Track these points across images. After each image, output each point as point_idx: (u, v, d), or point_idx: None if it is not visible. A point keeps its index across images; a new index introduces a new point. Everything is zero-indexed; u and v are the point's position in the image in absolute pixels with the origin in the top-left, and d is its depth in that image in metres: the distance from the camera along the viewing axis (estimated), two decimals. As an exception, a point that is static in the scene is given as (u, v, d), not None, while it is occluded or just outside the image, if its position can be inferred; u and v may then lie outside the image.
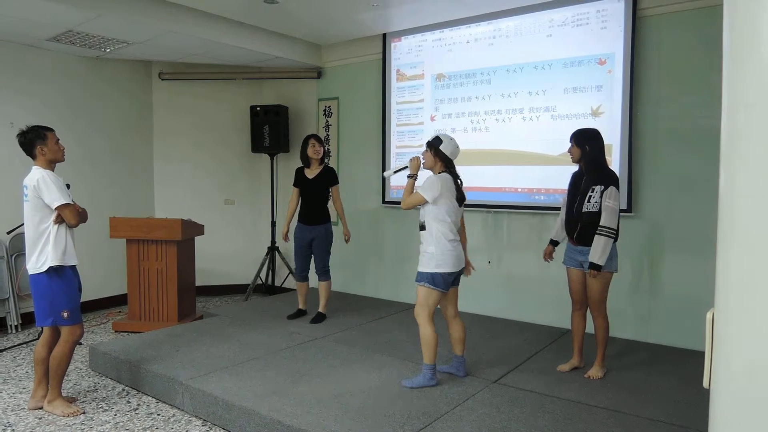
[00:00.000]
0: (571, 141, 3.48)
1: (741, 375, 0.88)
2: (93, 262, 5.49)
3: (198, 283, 5.55)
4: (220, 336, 4.33)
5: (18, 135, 3.22)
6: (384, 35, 5.59)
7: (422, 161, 3.44)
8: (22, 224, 3.32)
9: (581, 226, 3.42)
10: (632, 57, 4.22)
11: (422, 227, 3.34)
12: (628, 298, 4.34)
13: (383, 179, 5.68)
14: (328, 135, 6.17)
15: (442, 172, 3.36)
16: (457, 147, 3.41)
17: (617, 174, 3.53)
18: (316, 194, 4.73)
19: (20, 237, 4.43)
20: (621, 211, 3.95)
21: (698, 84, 4.01)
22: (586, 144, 3.40)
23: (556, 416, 2.94)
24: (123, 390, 3.70)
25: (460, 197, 3.37)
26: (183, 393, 3.35)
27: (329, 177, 4.77)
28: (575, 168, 3.59)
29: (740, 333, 0.89)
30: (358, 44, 5.83)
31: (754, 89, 0.88)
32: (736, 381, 0.89)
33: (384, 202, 5.71)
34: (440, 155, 3.35)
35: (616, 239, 3.40)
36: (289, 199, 4.93)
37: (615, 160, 4.28)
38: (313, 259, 4.81)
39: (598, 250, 3.29)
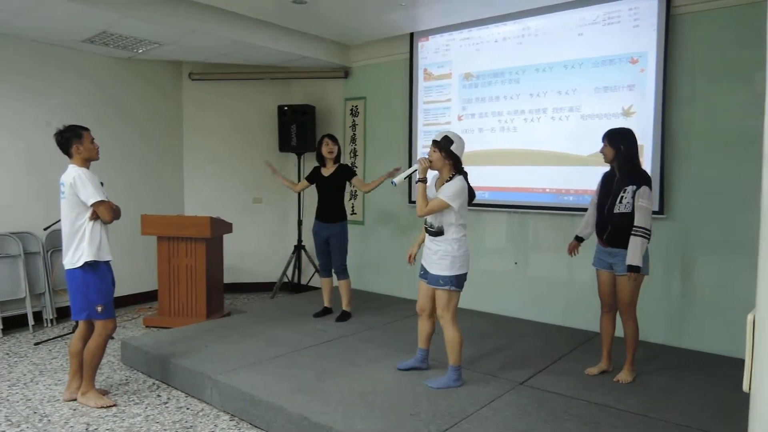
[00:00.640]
0: (604, 141, 3.43)
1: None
2: (125, 259, 5.61)
3: (226, 280, 5.64)
4: (248, 333, 4.39)
5: (55, 134, 3.32)
6: (411, 35, 5.59)
7: (430, 162, 3.28)
8: (58, 221, 3.42)
9: (612, 227, 3.37)
10: (665, 56, 4.14)
11: (439, 232, 3.25)
12: (659, 302, 4.25)
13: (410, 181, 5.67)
14: (354, 135, 6.20)
15: (454, 174, 3.27)
16: (464, 144, 3.32)
17: (649, 174, 3.47)
18: (332, 192, 4.76)
19: (56, 233, 4.57)
20: (653, 213, 3.89)
21: (736, 84, 3.90)
22: (621, 144, 3.35)
23: (584, 420, 2.91)
24: (153, 384, 3.78)
25: (472, 196, 3.32)
26: (212, 388, 3.41)
27: (345, 174, 4.78)
28: (605, 168, 3.54)
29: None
30: (386, 44, 5.84)
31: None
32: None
33: (410, 201, 5.71)
34: (452, 156, 3.26)
35: (648, 241, 3.35)
36: (313, 200, 4.98)
37: (647, 161, 4.20)
38: (332, 258, 4.84)
39: (636, 252, 3.22)
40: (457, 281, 3.26)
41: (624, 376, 3.45)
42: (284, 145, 6.27)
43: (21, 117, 5.08)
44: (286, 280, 6.40)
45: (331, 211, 4.78)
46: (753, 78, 3.82)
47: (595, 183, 3.61)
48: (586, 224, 3.68)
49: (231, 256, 5.95)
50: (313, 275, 6.43)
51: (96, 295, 3.30)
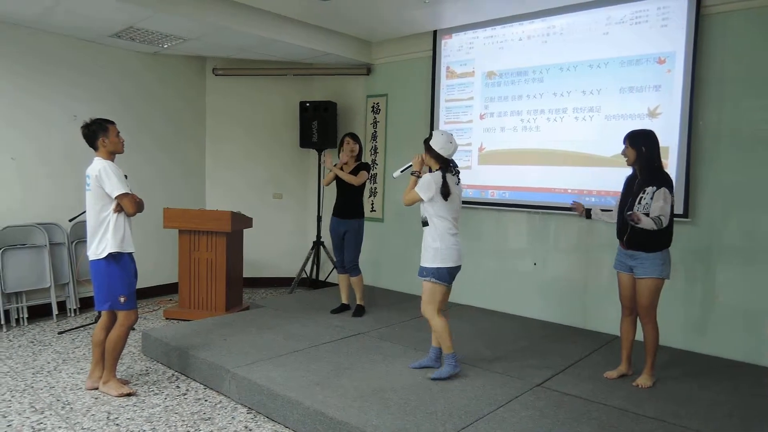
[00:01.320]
0: (625, 142, 3.38)
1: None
2: (147, 251, 5.68)
3: (245, 274, 5.68)
4: (266, 327, 4.42)
5: (82, 127, 3.38)
6: (435, 32, 5.57)
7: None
8: (83, 212, 3.48)
9: (632, 229, 3.33)
10: (694, 56, 4.06)
11: (425, 223, 3.43)
12: (681, 307, 4.19)
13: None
14: (375, 132, 6.20)
15: (438, 169, 3.39)
16: (451, 142, 3.39)
17: (673, 178, 3.41)
18: (350, 189, 4.78)
19: (81, 224, 4.64)
20: (677, 215, 3.83)
21: (767, 86, 3.82)
22: (642, 145, 3.30)
23: (602, 423, 2.88)
24: (173, 375, 3.83)
25: (445, 193, 3.31)
26: (230, 381, 3.44)
27: (362, 170, 4.78)
28: (628, 170, 3.49)
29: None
30: (409, 41, 5.82)
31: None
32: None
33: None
34: (432, 152, 3.38)
35: (668, 244, 3.30)
36: (332, 195, 5.00)
37: (672, 163, 4.14)
38: (343, 255, 4.87)
39: (645, 223, 3.15)
40: (438, 274, 3.35)
41: (643, 380, 3.40)
42: (305, 141, 6.30)
43: (52, 108, 5.19)
44: (304, 275, 6.44)
45: (348, 207, 4.82)
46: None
47: (618, 184, 3.57)
48: (602, 214, 3.65)
49: (251, 251, 5.99)
50: (331, 271, 6.45)
51: (119, 286, 3.36)
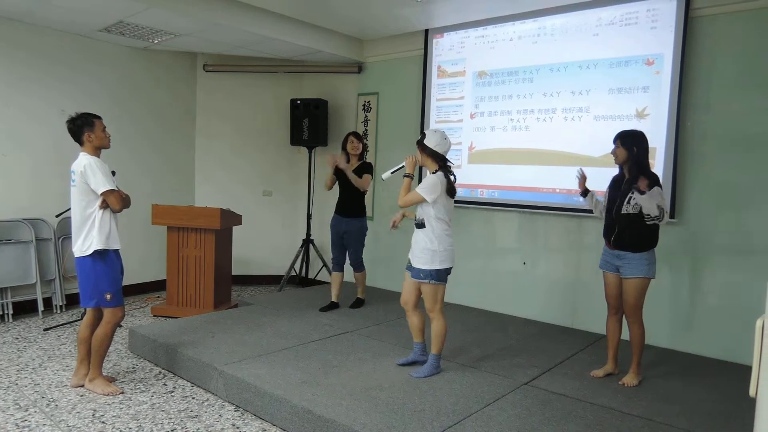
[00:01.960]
0: (615, 142, 3.40)
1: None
2: (134, 247, 5.66)
3: (234, 272, 5.67)
4: (254, 324, 4.41)
5: (67, 121, 3.33)
6: (426, 31, 5.57)
7: (417, 160, 3.45)
8: (69, 208, 3.44)
9: (619, 228, 3.35)
10: (682, 58, 4.09)
11: (421, 225, 3.38)
12: (667, 306, 4.23)
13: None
14: (366, 130, 6.20)
15: (437, 169, 3.37)
16: (446, 139, 3.39)
17: (660, 178, 3.43)
18: (352, 188, 4.79)
19: (67, 220, 4.60)
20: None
21: (755, 89, 3.86)
22: (634, 146, 3.32)
23: (588, 422, 2.90)
24: (160, 372, 3.81)
25: (451, 190, 3.37)
26: (217, 378, 3.43)
27: (364, 171, 4.83)
28: (617, 169, 3.51)
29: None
30: (400, 40, 5.82)
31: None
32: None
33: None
34: (427, 150, 3.36)
35: (654, 244, 3.33)
36: (322, 193, 5.00)
37: (659, 164, 4.17)
38: (347, 252, 4.92)
39: (650, 203, 3.17)
40: (437, 275, 3.36)
41: (630, 379, 3.43)
42: (296, 139, 6.29)
43: (40, 103, 5.13)
44: (293, 273, 6.42)
45: (350, 206, 4.86)
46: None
47: (606, 184, 3.58)
48: (597, 206, 3.64)
49: (240, 248, 5.97)
50: (320, 269, 6.45)
51: (105, 283, 3.33)
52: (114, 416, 3.09)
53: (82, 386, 3.46)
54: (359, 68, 6.23)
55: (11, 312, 4.90)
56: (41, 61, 5.13)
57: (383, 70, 6.08)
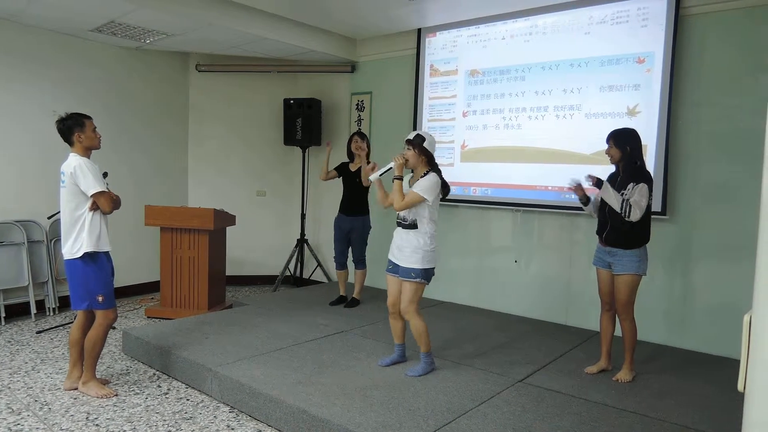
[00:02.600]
0: (609, 142, 3.40)
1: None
2: (128, 249, 5.64)
3: (228, 272, 5.66)
4: (249, 325, 4.40)
5: (57, 121, 3.28)
6: (419, 30, 5.58)
7: (405, 161, 3.36)
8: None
9: (611, 225, 3.37)
10: (673, 56, 4.11)
11: (412, 225, 3.34)
12: (659, 302, 4.25)
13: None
14: (360, 129, 6.19)
15: (429, 170, 3.37)
16: (435, 141, 3.44)
17: (652, 175, 3.46)
18: (356, 186, 4.89)
19: (59, 222, 4.56)
20: (655, 213, 3.89)
21: (744, 86, 3.89)
22: (628, 145, 3.33)
23: (582, 418, 2.91)
24: (154, 374, 3.80)
25: (445, 191, 3.41)
26: (212, 379, 3.42)
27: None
28: (609, 166, 3.53)
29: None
30: (393, 39, 5.83)
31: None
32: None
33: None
34: (425, 153, 3.36)
35: (646, 241, 3.34)
36: (317, 193, 5.02)
37: (650, 161, 4.18)
38: (351, 249, 5.07)
39: (612, 195, 3.25)
40: (426, 274, 3.38)
41: (623, 375, 3.45)
42: (289, 139, 6.28)
43: (28, 104, 5.09)
44: (288, 273, 6.42)
45: (354, 204, 5.00)
46: (757, 81, 3.81)
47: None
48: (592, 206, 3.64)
49: (234, 249, 5.96)
50: (315, 269, 6.44)
51: (97, 285, 3.30)
52: (108, 419, 3.08)
53: (76, 389, 3.44)
54: (352, 68, 6.22)
55: (3, 315, 4.87)
56: (29, 61, 5.09)
57: (376, 69, 6.08)
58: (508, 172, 5.02)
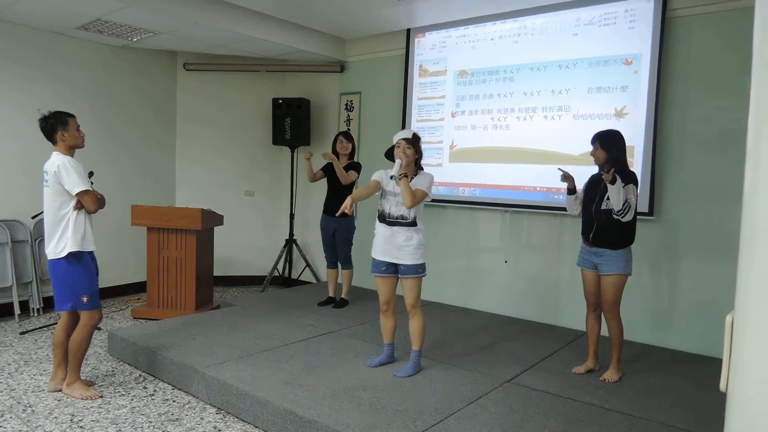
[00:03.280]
0: (593, 143, 3.42)
1: (759, 379, 0.86)
2: (114, 249, 5.59)
3: (216, 273, 5.61)
4: (236, 326, 4.37)
5: (39, 120, 3.23)
6: (408, 30, 5.58)
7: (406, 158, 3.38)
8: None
9: (597, 225, 3.39)
10: (660, 58, 4.15)
11: (413, 223, 3.38)
12: (646, 302, 4.28)
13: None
14: (349, 129, 6.18)
15: (421, 168, 3.50)
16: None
17: (638, 176, 3.48)
18: (340, 187, 4.85)
19: (43, 222, 4.53)
20: (641, 213, 3.92)
21: (728, 87, 3.92)
22: (612, 146, 3.36)
23: (570, 418, 2.92)
24: (140, 376, 3.76)
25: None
26: (198, 381, 3.39)
27: (351, 168, 4.91)
28: (596, 168, 3.54)
29: (760, 337, 0.87)
30: (382, 39, 5.82)
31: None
32: (754, 385, 0.87)
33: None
34: (420, 152, 3.47)
35: (632, 242, 3.37)
36: (306, 193, 5.01)
37: (637, 162, 4.22)
38: (337, 250, 5.07)
39: (618, 193, 3.20)
40: (426, 268, 3.46)
41: (610, 375, 3.47)
42: (278, 138, 6.25)
43: (11, 104, 5.03)
44: (276, 274, 6.39)
45: (338, 205, 4.83)
46: (741, 82, 3.84)
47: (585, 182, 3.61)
48: (573, 203, 3.66)
49: (221, 249, 5.92)
50: (304, 269, 6.42)
51: (81, 285, 3.27)
52: (93, 421, 3.05)
53: (60, 391, 3.40)
54: (341, 67, 6.21)
55: (-13, 316, 4.81)
56: (11, 59, 5.02)
57: (365, 69, 6.07)
58: (496, 172, 5.03)
